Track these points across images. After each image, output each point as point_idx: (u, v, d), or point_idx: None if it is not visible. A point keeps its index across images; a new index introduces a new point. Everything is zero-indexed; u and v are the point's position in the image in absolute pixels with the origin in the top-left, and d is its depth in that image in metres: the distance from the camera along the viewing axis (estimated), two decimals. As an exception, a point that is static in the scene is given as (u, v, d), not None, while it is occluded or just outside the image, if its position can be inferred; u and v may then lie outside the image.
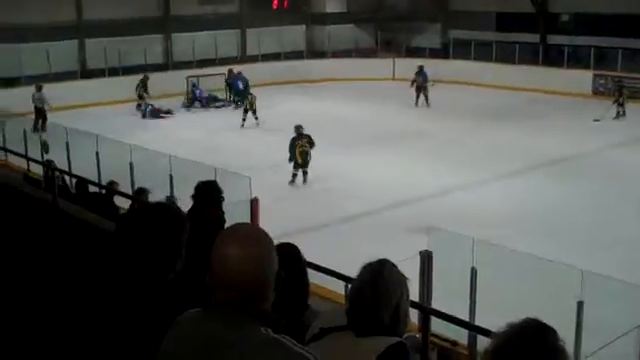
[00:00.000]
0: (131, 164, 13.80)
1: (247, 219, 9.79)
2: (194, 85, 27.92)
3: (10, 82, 25.90)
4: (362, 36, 35.74)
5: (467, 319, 6.64)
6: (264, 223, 7.28)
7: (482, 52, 31.31)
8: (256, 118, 23.66)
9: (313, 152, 17.05)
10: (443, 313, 4.41)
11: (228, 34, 32.85)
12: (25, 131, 17.69)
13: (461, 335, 6.33)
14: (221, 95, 28.48)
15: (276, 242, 2.15)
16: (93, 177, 12.65)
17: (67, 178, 12.06)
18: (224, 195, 6.70)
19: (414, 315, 4.04)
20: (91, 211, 7.90)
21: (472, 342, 6.64)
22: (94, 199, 10.45)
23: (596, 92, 28.21)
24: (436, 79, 28.21)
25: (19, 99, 22.50)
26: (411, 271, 3.25)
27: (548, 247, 10.76)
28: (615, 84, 26.26)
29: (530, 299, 8.58)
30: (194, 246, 2.69)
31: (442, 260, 7.57)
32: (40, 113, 23.10)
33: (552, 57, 30.68)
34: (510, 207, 14.69)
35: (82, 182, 11.03)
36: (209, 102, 27.83)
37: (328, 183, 16.68)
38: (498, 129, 22.26)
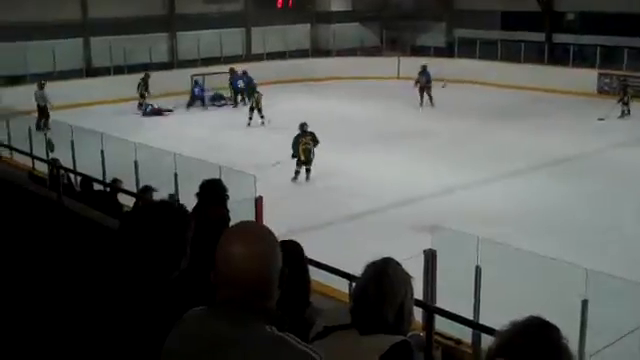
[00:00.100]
0: (136, 162, 13.82)
1: (252, 217, 9.79)
2: (197, 83, 27.93)
3: (15, 80, 25.99)
4: (367, 35, 35.69)
5: (471, 318, 6.65)
6: (268, 221, 7.29)
7: (487, 51, 31.29)
8: (262, 117, 23.66)
9: (317, 150, 17.07)
10: (447, 312, 4.41)
11: (233, 33, 32.85)
12: (30, 129, 17.74)
13: (465, 334, 6.34)
14: (226, 94, 28.51)
15: (280, 240, 2.15)
16: (98, 175, 12.67)
17: (72, 176, 12.09)
18: (229, 193, 6.71)
19: (418, 314, 4.04)
20: (95, 209, 7.91)
21: (476, 341, 6.64)
22: (98, 197, 10.47)
23: (601, 91, 28.18)
24: (441, 78, 28.22)
25: (24, 97, 22.57)
26: (415, 270, 3.26)
27: (550, 246, 10.76)
28: (620, 83, 26.22)
29: (534, 297, 8.57)
30: (199, 244, 2.70)
31: (446, 259, 7.57)
32: (43, 111, 23.13)
33: (557, 56, 30.64)
34: (513, 206, 14.66)
35: (87, 180, 11.05)
36: (213, 100, 27.86)
37: (333, 181, 16.68)
38: (502, 128, 22.23)
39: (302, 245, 3.29)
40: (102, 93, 26.54)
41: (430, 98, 26.70)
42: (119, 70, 28.64)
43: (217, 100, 28.03)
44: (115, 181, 11.21)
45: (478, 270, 7.90)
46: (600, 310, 7.61)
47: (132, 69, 28.26)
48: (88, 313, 2.50)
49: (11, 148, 14.78)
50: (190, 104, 27.45)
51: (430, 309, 4.59)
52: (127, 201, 10.04)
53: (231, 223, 2.53)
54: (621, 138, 20.79)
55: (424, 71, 27.08)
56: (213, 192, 6.46)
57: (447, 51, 33.68)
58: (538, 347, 1.96)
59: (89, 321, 2.48)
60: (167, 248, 2.53)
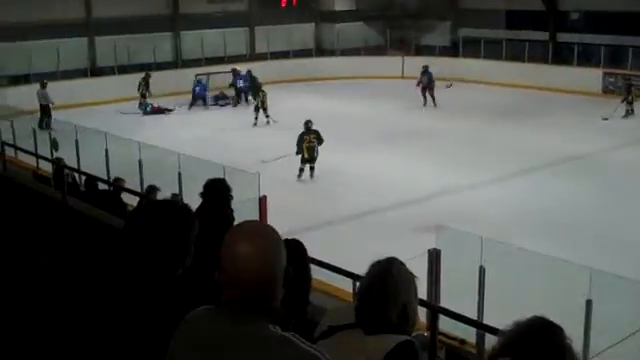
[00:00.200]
0: (140, 162, 13.83)
1: (256, 217, 9.79)
2: (200, 82, 27.91)
3: (20, 80, 26.02)
4: (371, 34, 35.63)
5: (475, 317, 6.64)
6: (272, 220, 7.29)
7: (492, 50, 31.24)
8: (267, 116, 23.67)
9: (321, 149, 17.08)
10: (451, 311, 4.41)
11: (237, 32, 32.86)
12: (34, 129, 17.76)
13: (469, 333, 6.32)
14: (230, 93, 28.49)
15: (283, 239, 2.15)
16: (102, 175, 12.68)
17: (76, 175, 12.11)
18: (233, 193, 6.71)
19: (422, 313, 4.04)
20: (100, 208, 7.93)
21: (480, 340, 6.63)
22: (103, 196, 10.49)
23: (606, 90, 28.11)
24: (443, 78, 28.18)
25: (28, 97, 22.63)
26: (419, 269, 3.25)
27: (553, 246, 10.74)
28: (625, 82, 26.16)
29: (538, 297, 8.56)
30: (203, 244, 2.70)
31: (450, 258, 7.56)
32: (45, 110, 23.16)
33: (562, 55, 30.57)
34: (517, 206, 14.65)
35: (91, 180, 11.07)
36: (216, 100, 27.87)
37: (336, 180, 16.68)
38: (506, 128, 22.20)
39: (305, 244, 3.29)
40: (106, 92, 26.59)
41: (433, 99, 26.61)
42: (123, 70, 28.68)
43: (220, 99, 28.03)
44: (117, 180, 11.22)
45: (482, 270, 7.89)
46: (604, 310, 7.60)
47: (136, 68, 28.26)
48: (93, 312, 2.51)
49: (16, 147, 14.80)
50: (192, 104, 27.44)
51: (434, 309, 4.60)
52: (131, 200, 10.04)
53: (235, 223, 2.53)
54: (626, 137, 20.75)
55: (426, 71, 27.02)
56: (217, 192, 6.46)
57: (452, 50, 33.63)
58: (542, 347, 1.96)
59: (94, 320, 2.49)
60: (171, 247, 2.54)
